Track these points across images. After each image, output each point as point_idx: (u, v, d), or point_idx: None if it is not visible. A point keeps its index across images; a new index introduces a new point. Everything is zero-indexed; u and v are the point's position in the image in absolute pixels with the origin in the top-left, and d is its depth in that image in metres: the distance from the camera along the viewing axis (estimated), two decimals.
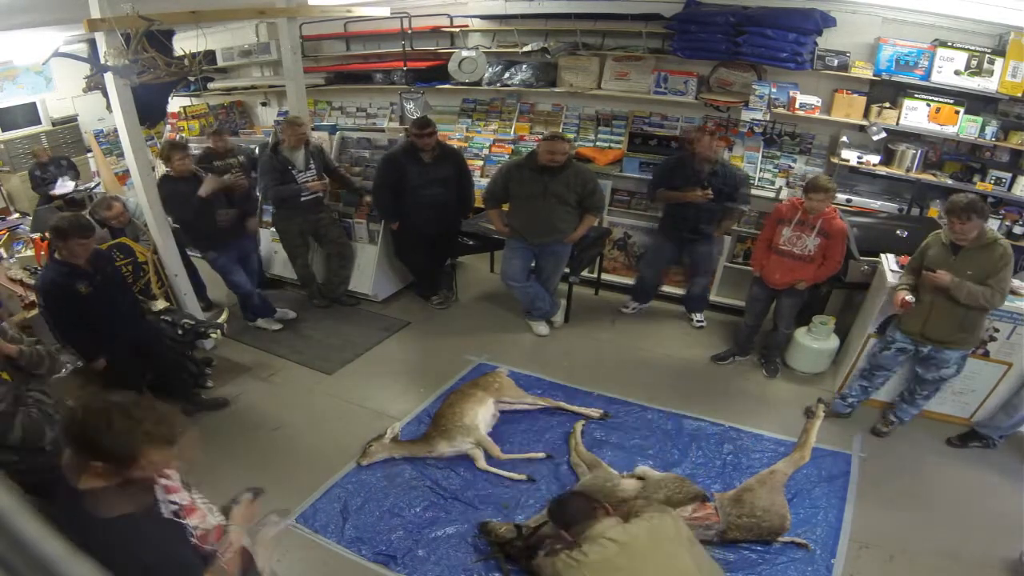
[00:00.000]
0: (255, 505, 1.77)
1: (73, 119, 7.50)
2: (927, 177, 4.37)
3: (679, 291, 4.87)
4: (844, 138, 4.56)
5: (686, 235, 4.30)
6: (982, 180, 4.21)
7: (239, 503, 1.73)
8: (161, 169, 5.98)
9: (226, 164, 4.66)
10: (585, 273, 4.93)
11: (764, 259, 3.82)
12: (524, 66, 5.57)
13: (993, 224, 3.95)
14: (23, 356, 2.32)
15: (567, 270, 4.44)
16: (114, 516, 1.37)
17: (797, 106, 4.54)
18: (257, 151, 5.32)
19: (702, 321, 4.68)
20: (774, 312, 3.97)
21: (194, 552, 1.51)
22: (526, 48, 5.39)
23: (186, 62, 3.89)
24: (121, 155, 5.75)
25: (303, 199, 4.44)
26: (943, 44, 4.14)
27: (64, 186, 6.16)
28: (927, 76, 4.19)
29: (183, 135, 6.48)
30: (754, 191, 4.76)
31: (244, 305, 4.57)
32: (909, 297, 3.10)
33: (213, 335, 3.87)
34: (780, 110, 4.61)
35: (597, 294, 5.16)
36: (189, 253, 4.51)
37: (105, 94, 3.77)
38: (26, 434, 2.22)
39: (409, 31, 5.64)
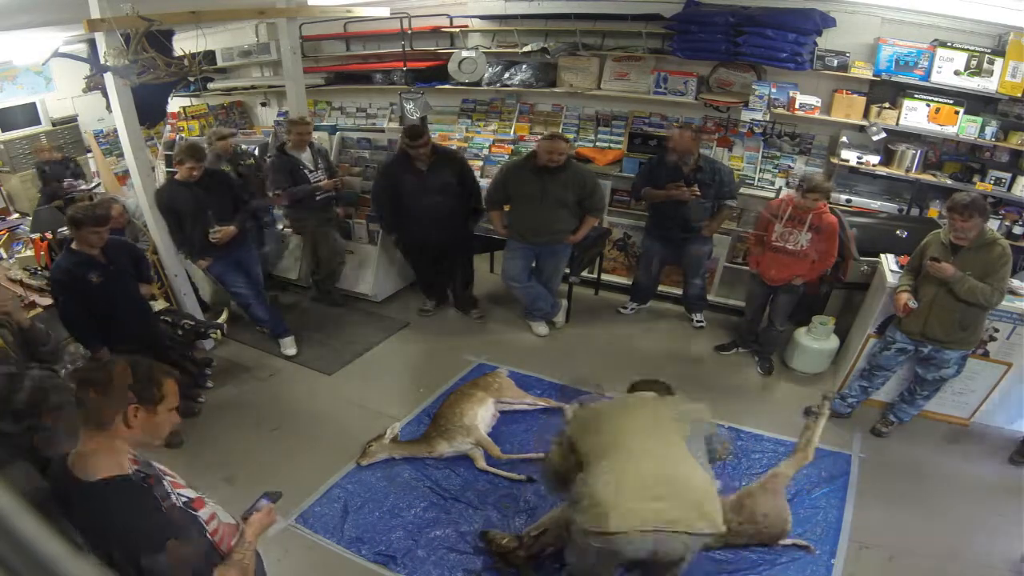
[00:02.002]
0: (274, 513, 1.80)
1: (73, 119, 7.49)
2: (927, 177, 4.37)
3: (678, 291, 4.88)
4: (844, 138, 4.56)
5: (677, 234, 4.29)
6: (982, 180, 4.21)
7: (259, 509, 1.76)
8: (161, 169, 6.01)
9: (241, 167, 4.63)
10: (585, 273, 4.93)
11: (759, 256, 3.83)
12: (524, 66, 5.57)
13: (993, 224, 3.94)
14: (34, 328, 2.52)
15: (567, 270, 4.44)
16: (96, 479, 1.41)
17: (797, 106, 4.54)
18: (256, 151, 5.33)
19: (702, 322, 4.68)
20: (770, 308, 3.99)
21: (203, 543, 1.52)
22: (526, 48, 5.39)
23: (186, 62, 3.88)
24: (121, 155, 5.74)
25: (317, 198, 4.45)
26: (943, 44, 4.14)
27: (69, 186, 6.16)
28: (927, 76, 4.20)
29: (182, 136, 6.47)
30: (754, 191, 4.78)
31: (248, 314, 4.33)
32: (912, 303, 3.09)
33: (213, 335, 3.88)
34: (780, 110, 4.61)
35: (597, 294, 5.16)
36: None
37: (105, 94, 3.77)
38: (31, 396, 2.23)
39: (409, 31, 5.64)
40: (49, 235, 4.32)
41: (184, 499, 1.54)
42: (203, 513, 1.56)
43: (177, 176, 3.85)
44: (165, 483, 1.53)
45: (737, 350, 4.28)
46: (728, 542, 2.62)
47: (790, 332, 4.04)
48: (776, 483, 2.76)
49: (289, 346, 4.33)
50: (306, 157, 4.42)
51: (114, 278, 3.10)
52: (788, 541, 2.69)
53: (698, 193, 4.04)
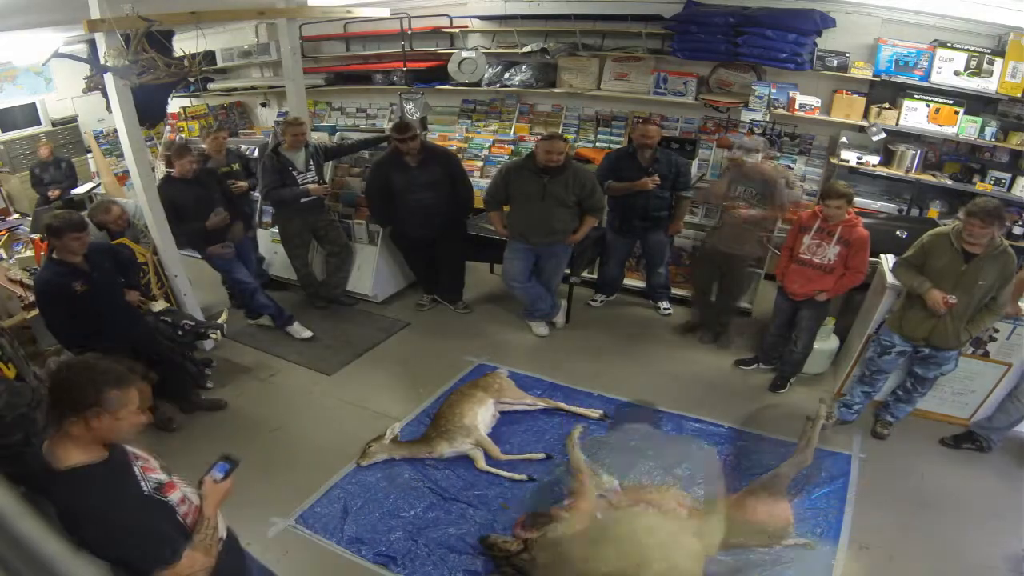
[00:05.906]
0: (229, 481, 1.77)
1: (73, 120, 7.50)
2: (927, 178, 4.38)
3: (681, 292, 4.89)
4: (844, 139, 4.57)
5: (638, 223, 4.36)
6: (981, 180, 4.21)
7: (216, 479, 1.74)
8: (161, 169, 6.00)
9: (225, 170, 4.66)
10: (585, 274, 4.93)
11: (785, 268, 3.64)
12: (524, 67, 5.58)
13: None
14: None
15: (567, 271, 4.44)
16: (68, 467, 1.45)
17: (797, 107, 4.55)
18: (257, 152, 5.34)
19: (668, 309, 4.76)
20: (795, 326, 3.76)
21: (173, 527, 1.55)
22: (526, 49, 5.40)
23: (186, 63, 3.88)
24: (121, 156, 5.74)
25: (303, 201, 4.45)
26: (942, 44, 4.14)
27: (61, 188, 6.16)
28: (927, 77, 4.20)
29: (182, 136, 6.48)
30: None
31: (247, 303, 4.49)
32: (952, 299, 2.96)
33: (213, 336, 3.87)
34: (780, 111, 4.62)
35: (597, 294, 5.15)
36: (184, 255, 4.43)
37: (105, 95, 3.77)
38: (9, 399, 2.22)
39: (409, 32, 5.64)
40: (44, 234, 4.33)
41: (155, 483, 1.57)
42: (173, 497, 1.58)
43: (175, 172, 4.04)
44: (136, 468, 1.56)
45: (758, 366, 4.08)
46: (731, 544, 2.62)
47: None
48: (778, 483, 2.77)
49: (300, 331, 4.44)
50: (299, 158, 4.43)
51: (98, 285, 3.03)
52: (790, 541, 2.69)
53: (659, 182, 4.14)
